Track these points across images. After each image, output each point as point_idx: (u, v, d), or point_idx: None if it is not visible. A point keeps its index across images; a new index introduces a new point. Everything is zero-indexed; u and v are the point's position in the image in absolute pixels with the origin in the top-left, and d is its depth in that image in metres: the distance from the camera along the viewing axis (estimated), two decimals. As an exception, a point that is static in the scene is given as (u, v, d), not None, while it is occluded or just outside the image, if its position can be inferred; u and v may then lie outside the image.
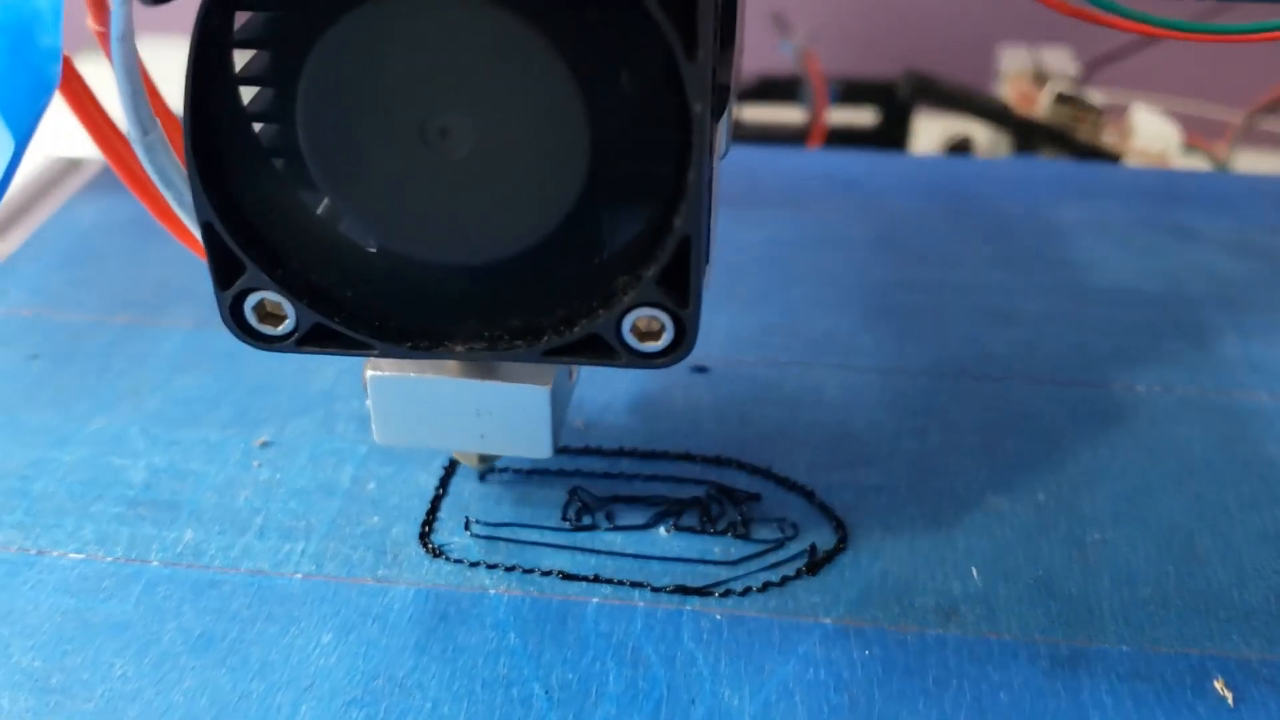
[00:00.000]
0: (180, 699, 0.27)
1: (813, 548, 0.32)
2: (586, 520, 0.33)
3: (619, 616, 0.30)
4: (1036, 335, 0.41)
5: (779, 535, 0.32)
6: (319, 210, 0.25)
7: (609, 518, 0.33)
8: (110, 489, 0.34)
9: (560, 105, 0.23)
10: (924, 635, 0.29)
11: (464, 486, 0.34)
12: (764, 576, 0.31)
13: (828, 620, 0.30)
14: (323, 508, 0.33)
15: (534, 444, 0.30)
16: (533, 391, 0.29)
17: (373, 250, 0.26)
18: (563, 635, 0.29)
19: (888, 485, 0.34)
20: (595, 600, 0.30)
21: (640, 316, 0.25)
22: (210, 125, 0.23)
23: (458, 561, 0.31)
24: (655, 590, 0.31)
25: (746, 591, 0.31)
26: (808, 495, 0.34)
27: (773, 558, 0.32)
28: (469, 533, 0.32)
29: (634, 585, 0.31)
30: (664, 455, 0.35)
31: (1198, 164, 0.67)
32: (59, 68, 0.19)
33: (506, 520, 0.33)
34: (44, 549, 0.32)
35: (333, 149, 0.23)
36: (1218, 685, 0.28)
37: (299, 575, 0.31)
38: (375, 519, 0.33)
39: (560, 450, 0.35)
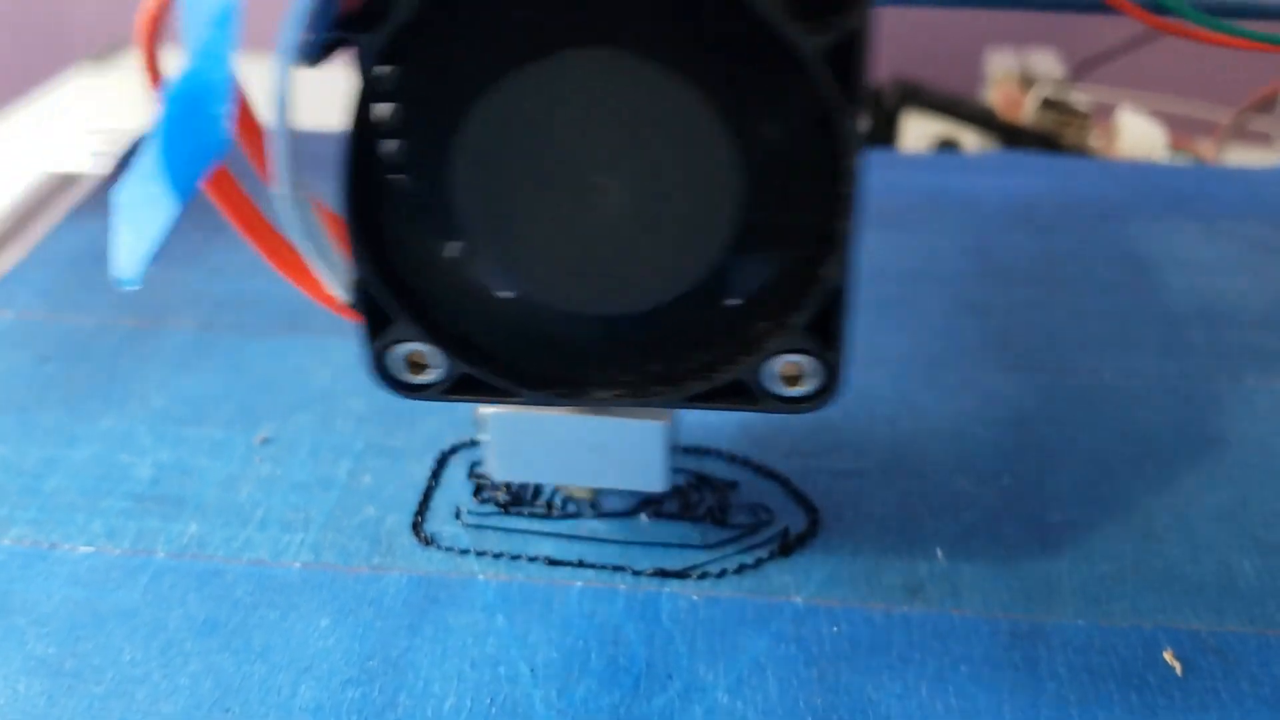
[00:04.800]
0: (186, 681, 0.29)
1: (785, 531, 0.33)
2: (572, 508, 0.34)
3: (601, 599, 0.31)
4: (1007, 325, 0.43)
5: (754, 520, 0.34)
6: (450, 256, 0.26)
7: (593, 505, 0.35)
8: (119, 485, 0.35)
9: (713, 160, 0.23)
10: (890, 612, 0.31)
11: (455, 478, 0.36)
12: (739, 559, 0.33)
13: (798, 599, 0.31)
14: (321, 500, 0.35)
15: (648, 478, 0.30)
16: (650, 427, 0.29)
17: (505, 296, 0.26)
18: (548, 617, 0.31)
19: (859, 470, 0.36)
20: (579, 584, 0.32)
21: (785, 363, 0.25)
22: (365, 181, 0.24)
23: (448, 549, 0.33)
24: (636, 574, 0.32)
25: (722, 574, 0.32)
26: (783, 481, 0.35)
27: (748, 541, 0.33)
28: (460, 522, 0.34)
29: (616, 569, 0.32)
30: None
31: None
32: (226, 134, 0.20)
33: (495, 510, 0.34)
34: (56, 543, 0.33)
35: (486, 204, 0.24)
36: (1167, 656, 0.30)
37: (298, 564, 0.32)
38: (370, 510, 0.34)
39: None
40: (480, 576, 0.32)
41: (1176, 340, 0.42)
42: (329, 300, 0.27)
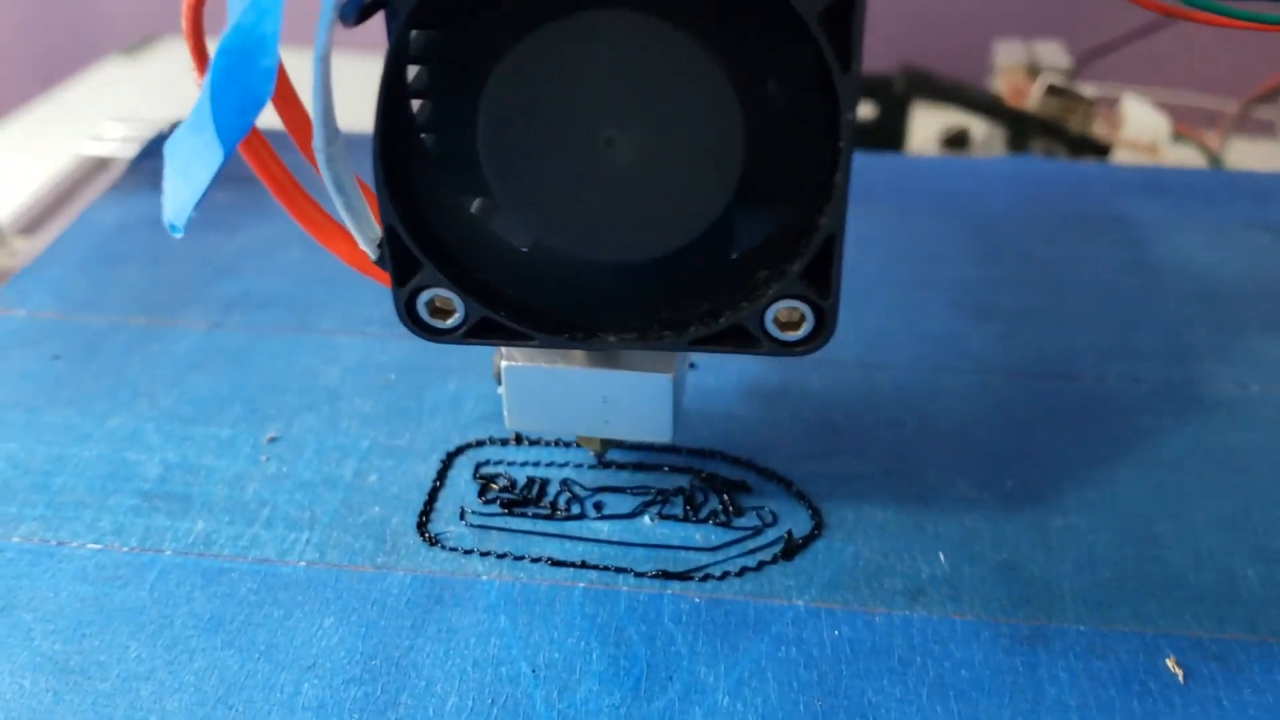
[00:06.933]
0: (191, 678, 0.29)
1: (789, 534, 0.33)
2: (576, 510, 0.35)
3: (604, 600, 0.32)
4: (1013, 329, 0.43)
5: (758, 523, 0.34)
6: (473, 210, 0.27)
7: (597, 507, 0.35)
8: (127, 483, 0.36)
9: (719, 116, 0.24)
10: (891, 616, 0.31)
11: (460, 478, 0.36)
12: (741, 562, 0.33)
13: (800, 602, 0.31)
14: (326, 499, 0.35)
15: (656, 429, 0.32)
16: (656, 379, 0.31)
17: (525, 249, 0.27)
18: (550, 618, 0.31)
19: (863, 474, 0.36)
20: (582, 585, 0.32)
21: (782, 308, 0.27)
22: (394, 135, 0.25)
23: (453, 549, 0.33)
24: (638, 575, 0.32)
25: (725, 576, 0.32)
26: (786, 484, 0.35)
27: (751, 544, 0.33)
28: (464, 522, 0.34)
29: (618, 571, 0.32)
30: (650, 446, 0.37)
31: (1189, 154, 0.68)
32: (271, 86, 0.21)
33: (499, 511, 0.34)
34: (64, 540, 0.34)
35: (506, 157, 0.25)
36: (1169, 663, 0.30)
37: (303, 563, 0.33)
38: (376, 509, 0.35)
39: (552, 443, 0.37)
40: (484, 577, 0.32)
41: (1181, 345, 0.42)
42: (355, 259, 0.28)
